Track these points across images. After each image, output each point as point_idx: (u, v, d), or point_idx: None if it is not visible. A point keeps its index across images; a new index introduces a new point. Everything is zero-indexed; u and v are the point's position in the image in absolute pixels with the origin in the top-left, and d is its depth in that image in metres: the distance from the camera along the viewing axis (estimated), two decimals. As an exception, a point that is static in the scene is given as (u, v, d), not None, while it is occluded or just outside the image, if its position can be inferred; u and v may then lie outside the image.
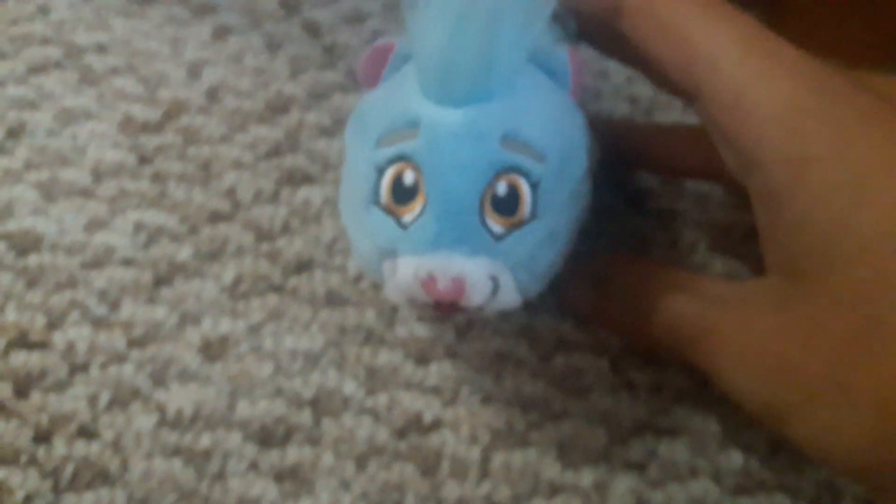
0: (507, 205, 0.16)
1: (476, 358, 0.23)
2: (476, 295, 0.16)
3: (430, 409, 0.22)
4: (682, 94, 0.19)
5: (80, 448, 0.21)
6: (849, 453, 0.15)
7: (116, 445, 0.21)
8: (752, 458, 0.22)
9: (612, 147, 0.21)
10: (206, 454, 0.21)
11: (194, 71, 0.29)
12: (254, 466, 0.21)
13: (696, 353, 0.18)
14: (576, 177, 0.18)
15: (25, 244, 0.24)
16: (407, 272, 0.16)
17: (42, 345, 0.22)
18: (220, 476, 0.21)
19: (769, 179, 0.16)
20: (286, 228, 0.25)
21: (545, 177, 0.16)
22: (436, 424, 0.22)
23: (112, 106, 0.28)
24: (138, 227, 0.25)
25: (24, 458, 0.20)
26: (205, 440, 0.21)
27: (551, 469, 0.21)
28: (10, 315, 0.23)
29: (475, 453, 0.21)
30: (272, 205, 0.26)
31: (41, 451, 0.20)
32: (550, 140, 0.17)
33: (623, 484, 0.21)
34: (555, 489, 0.21)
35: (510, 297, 0.17)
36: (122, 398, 0.22)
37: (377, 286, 0.24)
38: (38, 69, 0.29)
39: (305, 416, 0.22)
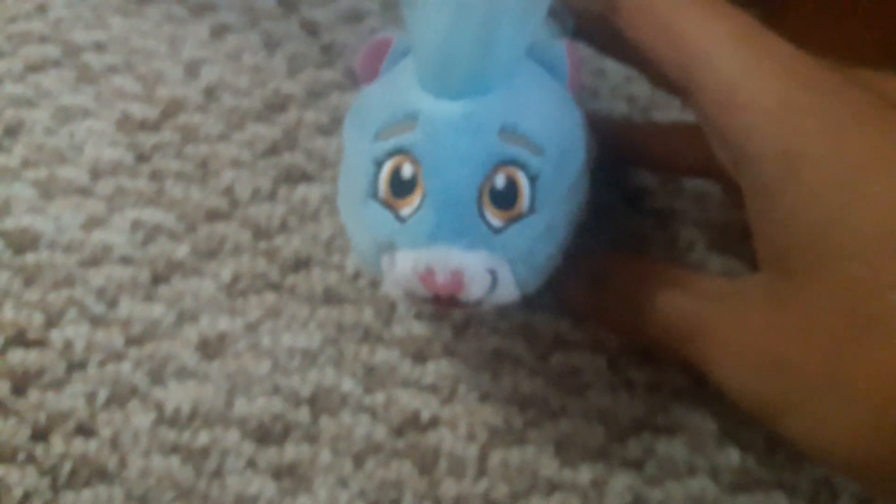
0: (505, 198, 0.16)
1: (474, 356, 0.23)
2: (475, 288, 0.16)
3: (427, 407, 0.22)
4: (678, 91, 0.19)
5: (78, 446, 0.21)
6: (843, 449, 0.15)
7: (114, 443, 0.21)
8: (749, 456, 0.22)
9: (610, 146, 0.21)
10: (204, 452, 0.21)
11: (192, 69, 0.29)
12: (252, 464, 0.21)
13: (691, 351, 0.18)
14: (574, 170, 0.18)
15: (23, 242, 0.24)
16: (405, 266, 0.16)
17: (40, 343, 0.22)
18: (218, 474, 0.21)
19: (761, 174, 0.17)
20: (284, 226, 0.25)
21: (544, 170, 0.17)
22: (433, 422, 0.22)
23: (110, 104, 0.28)
24: (136, 225, 0.25)
25: (22, 456, 0.20)
26: (203, 438, 0.21)
27: (549, 467, 0.21)
28: (8, 313, 0.23)
29: (473, 451, 0.21)
30: (270, 203, 0.26)
31: (39, 449, 0.20)
32: (549, 133, 0.17)
33: (621, 482, 0.21)
34: (553, 487, 0.21)
35: (509, 291, 0.17)
36: (120, 396, 0.21)
37: (375, 284, 0.24)
38: (35, 67, 0.29)
39: (303, 414, 0.22)
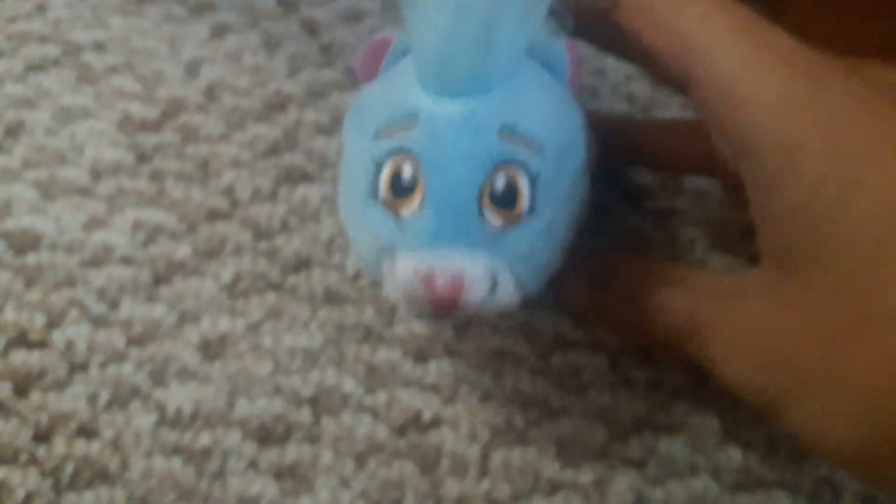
0: (505, 198, 0.16)
1: (475, 356, 0.23)
2: (475, 292, 0.16)
3: (429, 406, 0.22)
4: (679, 86, 0.19)
5: (80, 447, 0.21)
6: (842, 441, 0.15)
7: (116, 444, 0.21)
8: (751, 454, 0.22)
9: (611, 144, 0.21)
10: (206, 453, 0.21)
11: (192, 69, 0.29)
12: (253, 465, 0.21)
13: (693, 347, 0.18)
14: (574, 169, 0.18)
15: (24, 243, 0.24)
16: (406, 270, 0.16)
17: (41, 344, 0.22)
18: (220, 474, 0.21)
19: (762, 168, 0.17)
20: (285, 227, 0.25)
21: (543, 169, 0.17)
22: (435, 422, 0.22)
23: (110, 104, 0.28)
24: (137, 225, 0.25)
25: (24, 458, 0.20)
26: (204, 439, 0.21)
27: (551, 466, 0.21)
28: (10, 314, 0.23)
29: (474, 451, 0.21)
30: (270, 203, 0.26)
31: (41, 451, 0.20)
32: (549, 132, 0.17)
33: (622, 481, 0.21)
34: (554, 486, 0.21)
35: (509, 294, 0.17)
36: (122, 397, 0.22)
37: (376, 284, 0.24)
38: (36, 67, 0.29)
39: (305, 415, 0.22)
